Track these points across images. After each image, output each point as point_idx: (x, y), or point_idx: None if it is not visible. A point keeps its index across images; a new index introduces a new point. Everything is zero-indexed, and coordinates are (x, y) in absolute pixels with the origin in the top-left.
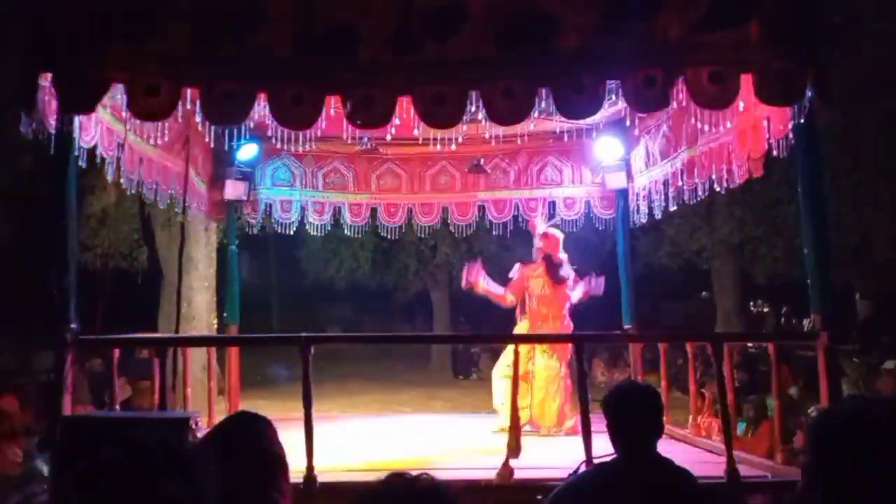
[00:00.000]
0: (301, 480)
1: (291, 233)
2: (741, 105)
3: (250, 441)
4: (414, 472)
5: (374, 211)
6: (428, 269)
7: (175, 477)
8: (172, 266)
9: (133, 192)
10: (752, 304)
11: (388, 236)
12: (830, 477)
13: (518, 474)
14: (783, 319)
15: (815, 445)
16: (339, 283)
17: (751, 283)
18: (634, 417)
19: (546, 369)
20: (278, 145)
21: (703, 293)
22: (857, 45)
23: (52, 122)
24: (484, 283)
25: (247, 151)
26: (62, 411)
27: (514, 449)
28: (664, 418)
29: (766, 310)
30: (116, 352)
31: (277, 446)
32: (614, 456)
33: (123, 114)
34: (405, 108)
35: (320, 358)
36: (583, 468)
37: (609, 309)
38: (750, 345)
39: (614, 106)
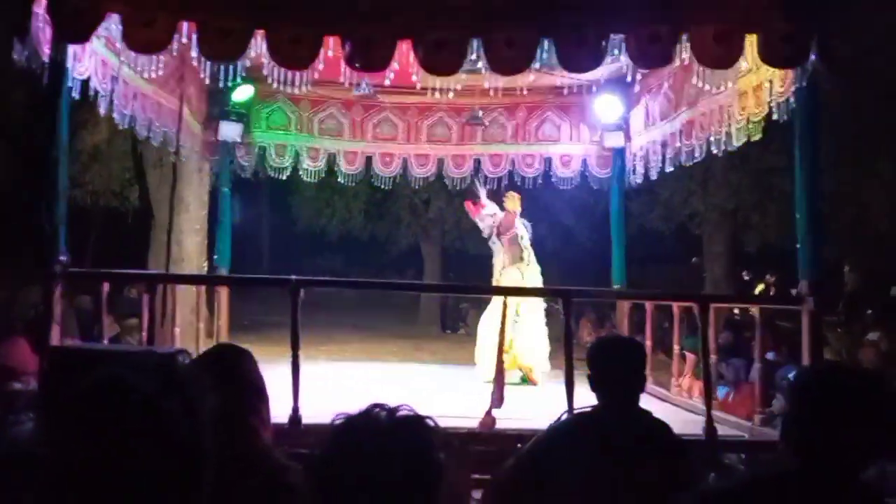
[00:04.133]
0: (286, 421)
1: (284, 178)
2: (744, 66)
3: (230, 370)
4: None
5: (368, 160)
6: (420, 222)
7: (172, 396)
8: (164, 206)
9: (125, 127)
10: (743, 272)
11: (382, 186)
12: (806, 438)
13: (500, 424)
14: (771, 289)
15: (795, 406)
16: (331, 233)
17: (742, 252)
18: (618, 369)
19: (531, 314)
20: (274, 85)
21: (694, 259)
22: (866, 14)
23: (45, 51)
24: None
25: (242, 93)
26: (50, 342)
27: (497, 399)
28: (647, 372)
29: (746, 277)
30: (105, 286)
31: (257, 377)
32: (595, 405)
33: (118, 46)
34: (405, 54)
35: (308, 306)
36: (564, 417)
37: (599, 270)
38: (735, 312)
39: (616, 63)
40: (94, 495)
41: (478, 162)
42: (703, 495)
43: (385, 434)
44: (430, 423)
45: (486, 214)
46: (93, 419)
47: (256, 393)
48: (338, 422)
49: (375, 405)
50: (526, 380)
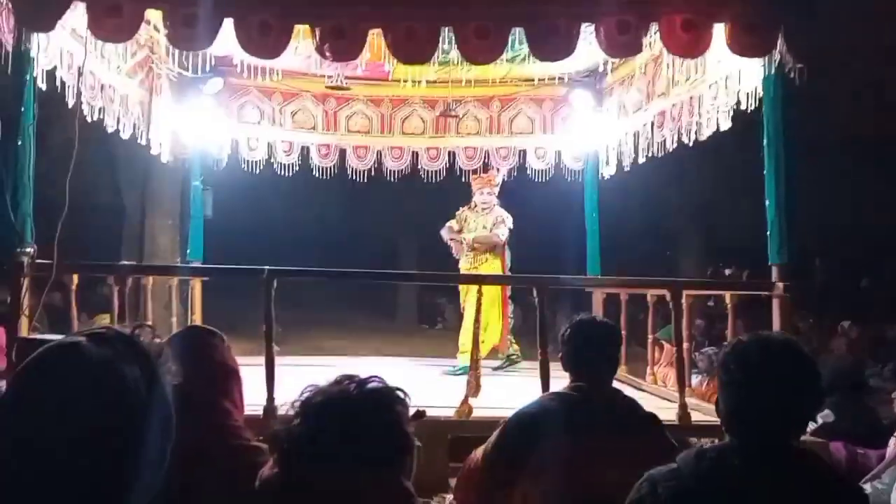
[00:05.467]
0: (261, 412)
1: (258, 172)
2: (713, 57)
3: (202, 352)
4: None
5: (343, 153)
6: (396, 217)
7: (132, 365)
8: (135, 202)
9: (93, 120)
10: (719, 265)
11: (357, 179)
12: (733, 411)
13: (477, 413)
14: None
15: (720, 381)
16: (307, 229)
17: (715, 246)
18: (591, 348)
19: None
20: (244, 74)
21: (667, 252)
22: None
23: (8, 39)
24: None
25: (212, 86)
26: (18, 334)
27: (473, 387)
28: (620, 358)
29: (728, 272)
30: (75, 280)
31: (230, 360)
32: (566, 385)
33: (84, 35)
34: (376, 44)
35: (283, 303)
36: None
37: (574, 264)
38: (710, 303)
39: (589, 56)
40: (45, 469)
41: (452, 155)
42: (650, 478)
43: (355, 405)
44: (401, 394)
45: (495, 189)
46: (45, 387)
47: (227, 374)
48: (307, 393)
49: (346, 377)
50: (510, 357)
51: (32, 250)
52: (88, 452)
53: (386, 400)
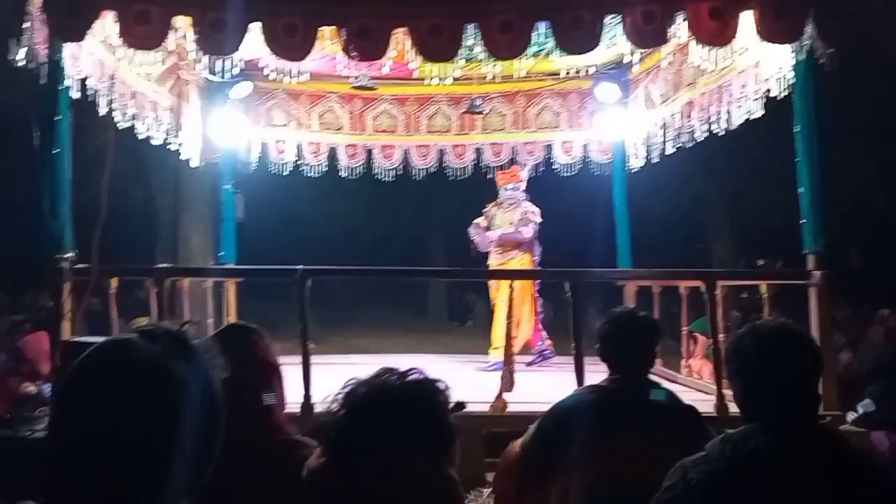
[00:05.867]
0: (298, 409)
1: (286, 174)
2: (742, 43)
3: (244, 348)
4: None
5: (369, 153)
6: (424, 216)
7: (180, 359)
8: (167, 206)
9: (125, 127)
10: (758, 260)
11: (384, 178)
12: (746, 398)
13: (511, 408)
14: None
15: (728, 375)
16: (336, 229)
17: (748, 237)
18: (631, 340)
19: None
20: (272, 76)
21: (698, 244)
22: None
23: (42, 50)
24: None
25: (240, 90)
26: (62, 337)
27: (507, 382)
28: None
29: (761, 262)
30: (113, 284)
31: (270, 354)
32: (604, 379)
33: (115, 44)
34: (401, 41)
35: (316, 303)
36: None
37: (603, 258)
38: (744, 294)
39: (614, 48)
40: (101, 464)
41: (479, 151)
42: (681, 465)
43: (396, 397)
44: (442, 385)
45: (520, 184)
46: (98, 384)
47: (269, 369)
48: (349, 386)
49: (386, 369)
50: (543, 353)
51: (73, 255)
52: (141, 445)
53: (427, 390)
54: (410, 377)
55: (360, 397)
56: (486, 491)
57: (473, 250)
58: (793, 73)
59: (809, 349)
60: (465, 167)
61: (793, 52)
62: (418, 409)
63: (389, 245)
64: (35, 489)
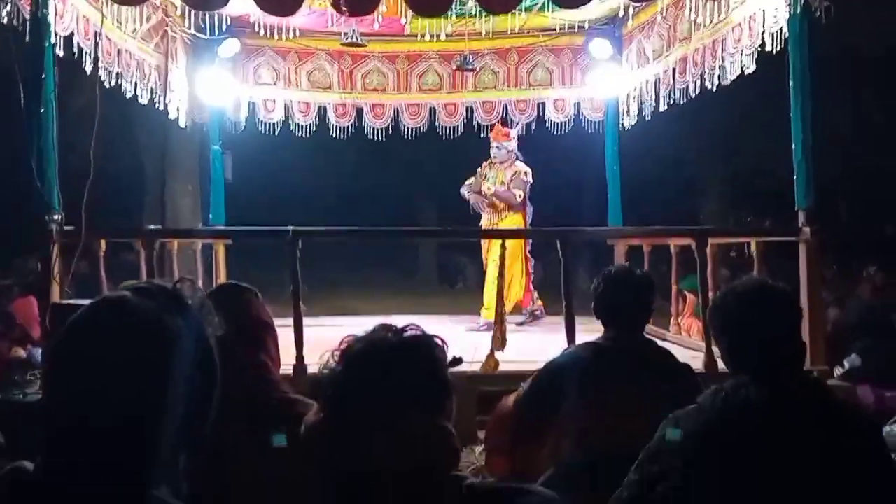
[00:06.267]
0: (291, 371)
1: (276, 133)
2: None
3: (238, 307)
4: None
5: (359, 112)
6: (415, 176)
7: (176, 317)
8: (155, 167)
9: (112, 85)
10: (741, 215)
11: (374, 138)
12: (727, 353)
13: (503, 367)
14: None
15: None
16: (326, 189)
17: (739, 194)
18: (627, 297)
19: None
20: (261, 32)
21: (689, 202)
22: None
23: (26, 6)
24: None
25: (228, 48)
26: (51, 300)
27: (499, 341)
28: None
29: (748, 220)
30: (103, 244)
31: (265, 314)
32: (599, 336)
33: (100, 0)
34: None
35: (305, 265)
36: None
37: (595, 216)
38: (732, 253)
39: (608, 2)
40: (98, 422)
41: (470, 110)
42: (673, 417)
43: (393, 352)
44: (438, 342)
45: (509, 143)
46: (93, 340)
47: (264, 328)
48: (346, 343)
49: (383, 326)
50: (533, 313)
51: (60, 217)
52: (137, 402)
53: (425, 345)
54: (407, 332)
55: (357, 353)
56: (479, 448)
57: (473, 210)
58: (787, 27)
59: (789, 303)
60: (456, 126)
61: (787, 4)
62: (416, 365)
63: (379, 205)
64: (30, 450)
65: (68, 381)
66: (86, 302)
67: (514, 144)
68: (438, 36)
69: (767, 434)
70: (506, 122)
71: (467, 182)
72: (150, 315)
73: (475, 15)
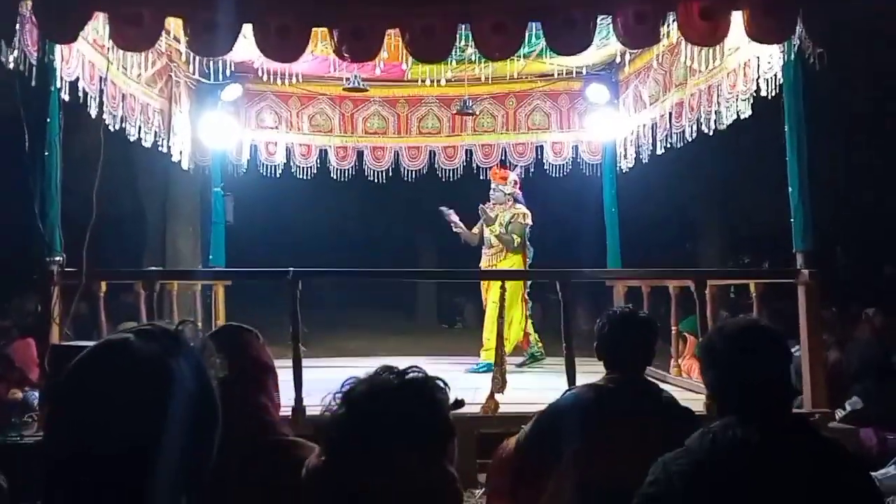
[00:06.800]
0: (289, 411)
1: (277, 176)
2: (732, 43)
3: (237, 348)
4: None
5: (360, 155)
6: (415, 217)
7: (178, 359)
8: (156, 209)
9: (116, 128)
10: (740, 258)
11: (375, 180)
12: (716, 392)
13: (503, 409)
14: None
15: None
16: (326, 231)
17: (737, 237)
18: (630, 339)
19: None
20: (264, 77)
21: (687, 244)
22: None
23: (32, 51)
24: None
25: (231, 93)
26: (51, 341)
27: (499, 383)
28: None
29: (746, 261)
30: (102, 288)
31: (266, 356)
32: (601, 378)
33: (106, 46)
34: (394, 43)
35: (305, 307)
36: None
37: (594, 258)
38: (732, 294)
39: (605, 49)
40: (100, 463)
41: (469, 153)
42: (662, 461)
43: (395, 394)
44: (440, 383)
45: (505, 186)
46: (96, 382)
47: (264, 370)
48: (348, 384)
49: (385, 367)
50: (533, 355)
51: (61, 259)
52: (139, 443)
53: (427, 388)
54: (409, 374)
55: (360, 395)
56: (479, 492)
57: (459, 234)
58: (782, 73)
59: (777, 343)
60: (455, 168)
61: (781, 51)
62: (418, 407)
63: (379, 247)
64: (32, 491)
65: (71, 421)
66: (86, 344)
67: (511, 188)
68: (438, 81)
69: (756, 474)
70: (505, 164)
71: (460, 228)
72: (153, 357)
73: (474, 61)
